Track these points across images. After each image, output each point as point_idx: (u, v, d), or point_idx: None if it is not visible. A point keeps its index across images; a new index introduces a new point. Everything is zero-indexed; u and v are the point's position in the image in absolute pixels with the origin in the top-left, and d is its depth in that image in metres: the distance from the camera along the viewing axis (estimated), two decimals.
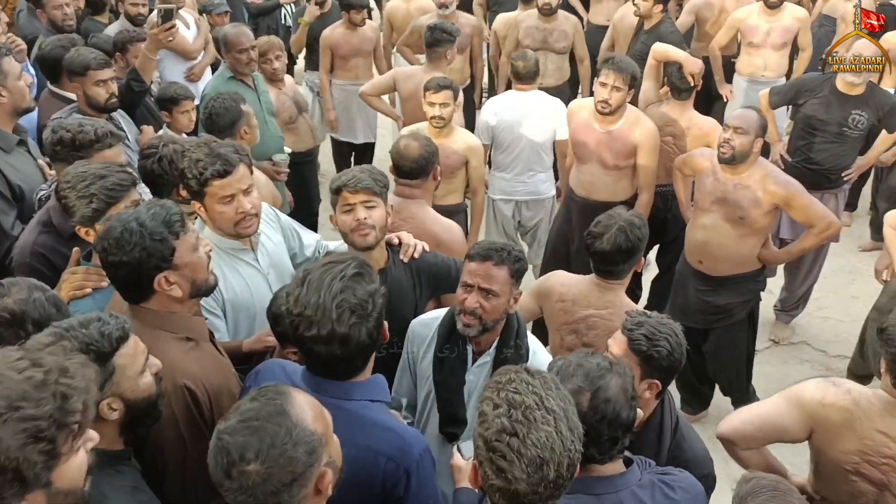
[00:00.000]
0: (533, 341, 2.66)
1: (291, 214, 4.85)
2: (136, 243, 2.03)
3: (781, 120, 5.93)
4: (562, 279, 3.27)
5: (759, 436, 2.53)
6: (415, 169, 3.42)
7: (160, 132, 4.14)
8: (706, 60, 6.46)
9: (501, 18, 6.90)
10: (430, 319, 2.70)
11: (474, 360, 2.61)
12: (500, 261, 2.47)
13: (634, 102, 4.65)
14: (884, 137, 4.97)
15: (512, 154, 4.96)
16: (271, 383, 1.67)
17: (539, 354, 2.62)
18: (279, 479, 1.50)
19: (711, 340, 4.28)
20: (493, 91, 7.39)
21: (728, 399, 4.45)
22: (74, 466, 1.41)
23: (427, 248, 2.99)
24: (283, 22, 7.32)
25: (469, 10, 7.37)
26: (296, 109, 5.32)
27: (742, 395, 4.34)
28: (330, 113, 6.26)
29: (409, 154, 3.41)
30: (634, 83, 4.30)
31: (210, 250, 2.26)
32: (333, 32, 6.17)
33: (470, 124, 6.64)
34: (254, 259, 2.82)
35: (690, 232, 4.20)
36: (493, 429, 1.59)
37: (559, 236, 4.82)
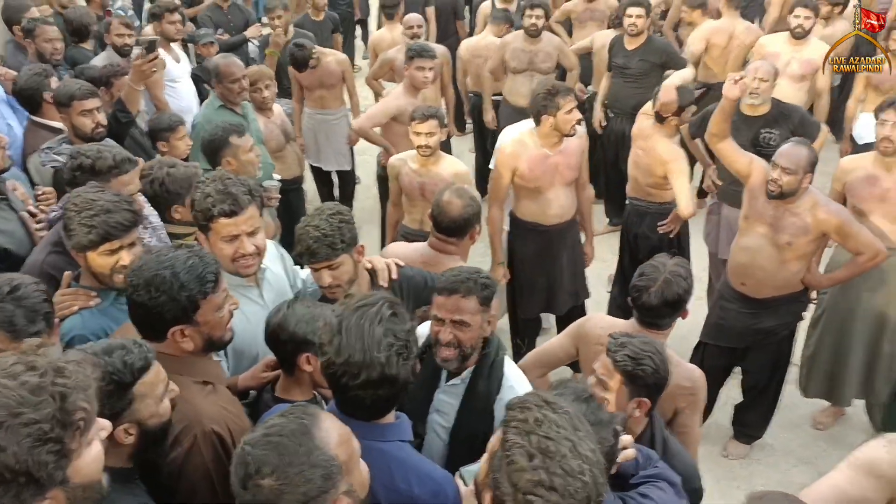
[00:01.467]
0: (511, 371, 2.64)
1: (280, 241, 4.92)
2: (164, 292, 2.02)
3: None
4: (601, 322, 3.20)
5: None
6: (453, 228, 3.37)
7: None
8: (712, 87, 6.54)
9: (464, 45, 7.14)
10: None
11: (448, 379, 2.62)
12: (467, 291, 2.47)
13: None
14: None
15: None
16: (300, 403, 1.70)
17: (516, 388, 2.57)
18: (292, 498, 1.51)
19: (750, 357, 4.29)
20: (460, 117, 7.52)
21: (723, 417, 4.49)
22: (89, 460, 1.42)
23: (401, 263, 3.02)
24: (251, 56, 7.37)
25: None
26: (283, 138, 5.37)
27: (763, 409, 4.39)
28: (298, 139, 6.31)
29: (451, 212, 3.35)
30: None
31: (235, 307, 2.26)
32: None
33: (445, 151, 6.73)
34: (258, 296, 2.80)
35: (734, 254, 4.20)
36: (530, 479, 1.52)
37: (536, 269, 4.67)
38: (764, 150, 4.61)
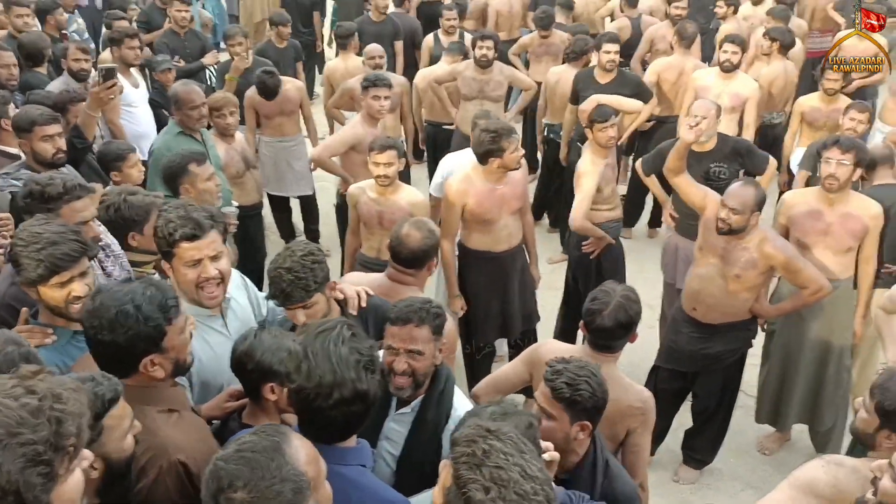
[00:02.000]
0: (460, 401, 2.70)
1: (238, 268, 4.91)
2: (130, 327, 2.03)
3: None
4: (553, 349, 3.27)
5: None
6: (412, 259, 3.42)
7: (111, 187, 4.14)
8: (664, 120, 6.83)
9: (420, 74, 7.26)
10: None
11: (398, 407, 2.66)
12: (420, 321, 2.54)
13: None
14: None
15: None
16: (270, 423, 1.74)
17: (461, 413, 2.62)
18: None
19: (701, 382, 4.41)
20: (417, 144, 7.67)
21: (674, 443, 4.61)
22: (71, 486, 1.44)
23: (370, 291, 3.08)
24: (209, 83, 7.37)
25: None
26: (243, 165, 5.41)
27: (712, 434, 4.50)
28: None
29: (410, 244, 3.40)
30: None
31: (194, 328, 2.28)
32: (255, 94, 6.29)
33: (403, 180, 6.82)
34: (222, 326, 2.81)
35: (689, 280, 4.35)
36: None
37: (489, 296, 4.76)
38: (715, 184, 4.79)
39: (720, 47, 6.50)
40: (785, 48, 6.89)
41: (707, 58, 8.63)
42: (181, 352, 2.18)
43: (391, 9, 8.62)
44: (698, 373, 4.39)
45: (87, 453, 1.50)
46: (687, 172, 4.37)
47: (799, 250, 4.24)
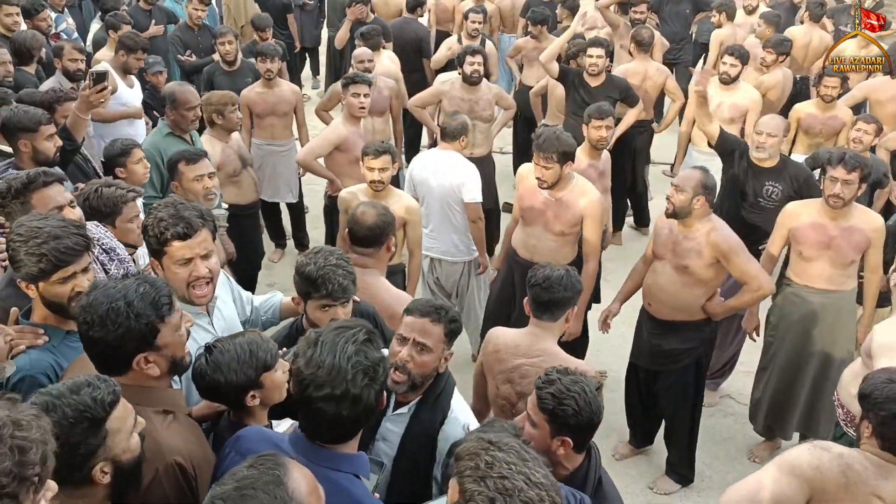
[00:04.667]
0: (458, 404, 2.71)
1: (233, 265, 4.90)
2: (121, 324, 2.00)
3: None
4: (497, 331, 3.37)
5: None
6: (369, 237, 3.45)
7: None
8: (637, 125, 6.82)
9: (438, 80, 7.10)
10: None
11: (395, 409, 2.67)
12: (437, 318, 2.58)
13: None
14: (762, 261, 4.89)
15: (426, 209, 5.06)
16: (266, 451, 1.69)
17: (460, 420, 2.66)
18: None
19: (660, 382, 4.43)
20: (414, 148, 7.66)
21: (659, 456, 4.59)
22: None
23: (356, 298, 3.07)
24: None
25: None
26: (240, 163, 5.36)
27: (680, 445, 4.47)
28: None
29: (365, 221, 3.45)
30: (565, 157, 4.31)
31: (191, 325, 2.26)
32: (251, 91, 6.27)
33: (393, 183, 6.80)
34: (209, 323, 2.80)
35: (647, 276, 4.41)
36: None
37: (500, 299, 4.85)
38: (765, 202, 4.87)
39: (720, 58, 6.50)
40: (783, 56, 6.92)
41: (692, 64, 8.77)
42: (177, 350, 2.15)
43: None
44: (658, 373, 4.42)
45: (51, 484, 1.44)
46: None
47: (800, 262, 4.28)
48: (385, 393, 2.02)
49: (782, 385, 4.58)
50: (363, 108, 5.33)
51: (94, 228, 3.29)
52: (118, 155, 4.26)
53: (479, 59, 6.16)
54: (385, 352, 2.04)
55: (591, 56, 6.33)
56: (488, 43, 8.11)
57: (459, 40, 7.95)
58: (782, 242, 4.42)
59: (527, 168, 4.68)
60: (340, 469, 1.96)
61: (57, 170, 3.09)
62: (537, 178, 4.38)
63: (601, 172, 5.14)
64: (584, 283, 4.51)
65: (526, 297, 3.29)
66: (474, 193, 4.93)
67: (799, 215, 4.37)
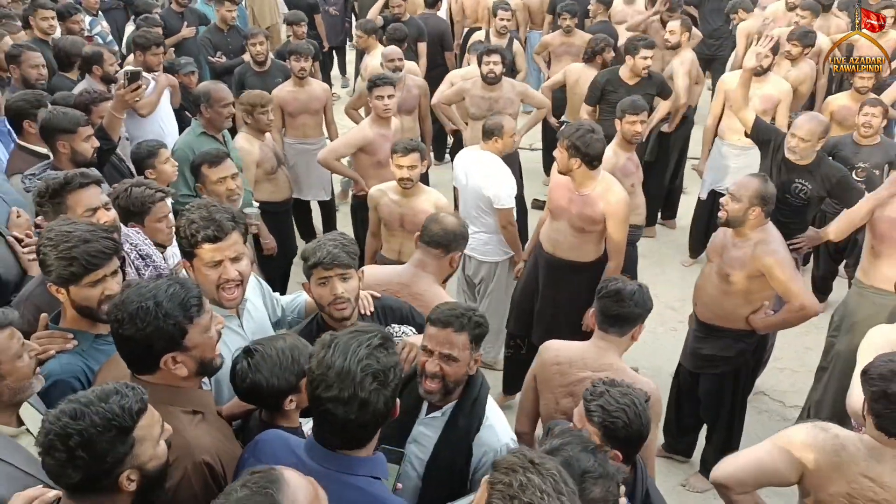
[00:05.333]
0: (492, 410, 2.66)
1: (268, 261, 5.00)
2: (150, 323, 2.03)
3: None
4: (556, 344, 3.28)
5: (753, 480, 2.60)
6: (441, 237, 3.43)
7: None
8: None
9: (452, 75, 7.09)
10: None
11: (428, 412, 2.64)
12: (460, 327, 2.51)
13: None
14: (841, 215, 4.72)
15: (463, 206, 5.08)
16: (262, 466, 1.66)
17: (495, 427, 2.61)
18: None
19: (700, 385, 4.37)
20: (440, 146, 7.65)
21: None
22: None
23: (377, 294, 3.09)
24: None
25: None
26: (276, 161, 5.42)
27: (716, 445, 4.40)
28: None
29: (444, 222, 3.46)
30: (575, 150, 4.21)
31: (222, 327, 2.27)
32: (282, 90, 6.31)
33: (423, 180, 6.80)
34: (238, 326, 2.81)
35: (698, 277, 4.35)
36: None
37: (524, 293, 4.86)
38: (792, 199, 4.75)
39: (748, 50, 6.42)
40: (808, 48, 6.82)
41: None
42: (206, 351, 2.16)
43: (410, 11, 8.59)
44: (699, 375, 4.35)
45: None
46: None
47: (870, 258, 4.19)
48: (398, 400, 1.98)
49: (843, 386, 4.45)
50: (388, 108, 5.34)
51: (134, 235, 3.36)
52: (146, 157, 4.32)
53: (495, 58, 6.10)
54: (398, 359, 2.00)
55: (644, 58, 6.28)
56: (515, 42, 8.10)
57: (487, 37, 7.93)
58: (860, 220, 4.27)
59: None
60: (357, 473, 1.95)
61: (94, 171, 3.12)
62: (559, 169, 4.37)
63: (637, 164, 5.11)
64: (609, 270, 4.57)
65: (592, 309, 3.21)
66: (504, 200, 4.86)
67: (886, 205, 4.17)
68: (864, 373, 2.49)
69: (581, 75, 6.88)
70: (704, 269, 4.23)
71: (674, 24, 7.09)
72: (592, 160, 4.24)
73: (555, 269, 4.62)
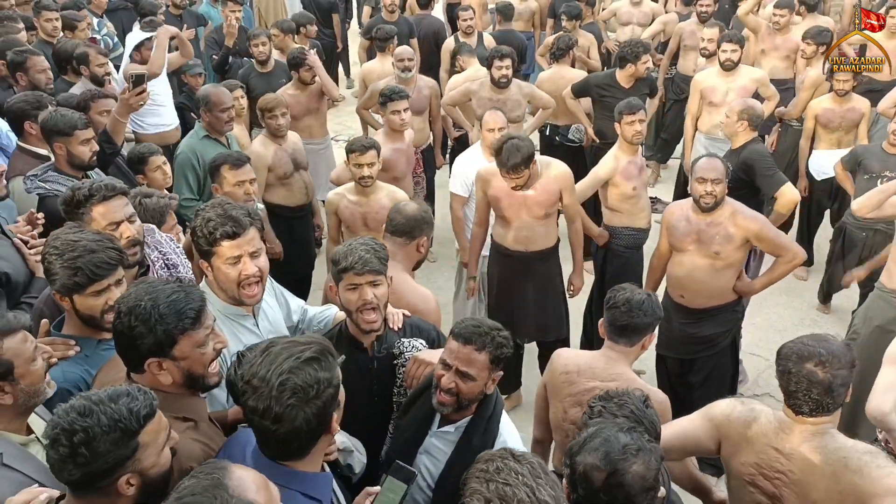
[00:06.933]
0: (506, 427, 2.62)
1: (284, 267, 4.97)
2: (142, 322, 2.02)
3: None
4: (566, 353, 3.29)
5: (679, 448, 2.74)
6: (403, 226, 3.46)
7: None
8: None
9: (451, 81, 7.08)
10: None
11: (441, 424, 2.60)
12: (481, 346, 2.45)
13: None
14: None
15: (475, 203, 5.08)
16: (212, 460, 1.66)
17: (508, 444, 2.52)
18: None
19: (697, 370, 4.41)
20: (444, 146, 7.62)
21: None
22: None
23: (408, 313, 3.05)
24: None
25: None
26: (292, 166, 5.33)
27: None
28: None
29: (405, 211, 3.50)
30: (531, 159, 4.28)
31: (223, 346, 2.23)
32: (284, 94, 6.21)
33: (430, 183, 6.90)
34: (254, 325, 2.81)
35: (671, 268, 4.40)
36: None
37: (499, 298, 4.85)
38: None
39: (719, 47, 6.46)
40: (823, 46, 6.79)
41: None
42: (195, 366, 2.12)
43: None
44: (694, 361, 4.41)
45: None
46: None
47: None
48: (331, 418, 1.90)
49: (861, 390, 4.41)
50: (404, 121, 5.33)
51: (166, 242, 3.36)
52: (136, 163, 4.32)
53: (507, 62, 6.06)
54: (331, 375, 1.89)
55: (645, 63, 6.26)
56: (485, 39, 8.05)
57: (456, 39, 7.94)
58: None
59: (486, 169, 4.65)
60: (289, 487, 1.88)
61: (120, 183, 3.07)
62: (513, 188, 4.37)
63: (640, 167, 5.09)
64: (575, 241, 4.73)
65: (601, 319, 3.20)
66: (453, 185, 5.15)
67: None
68: (777, 351, 2.59)
69: (550, 77, 6.88)
70: (681, 261, 4.29)
71: (711, 32, 7.12)
72: (528, 163, 4.28)
73: (533, 262, 4.70)
